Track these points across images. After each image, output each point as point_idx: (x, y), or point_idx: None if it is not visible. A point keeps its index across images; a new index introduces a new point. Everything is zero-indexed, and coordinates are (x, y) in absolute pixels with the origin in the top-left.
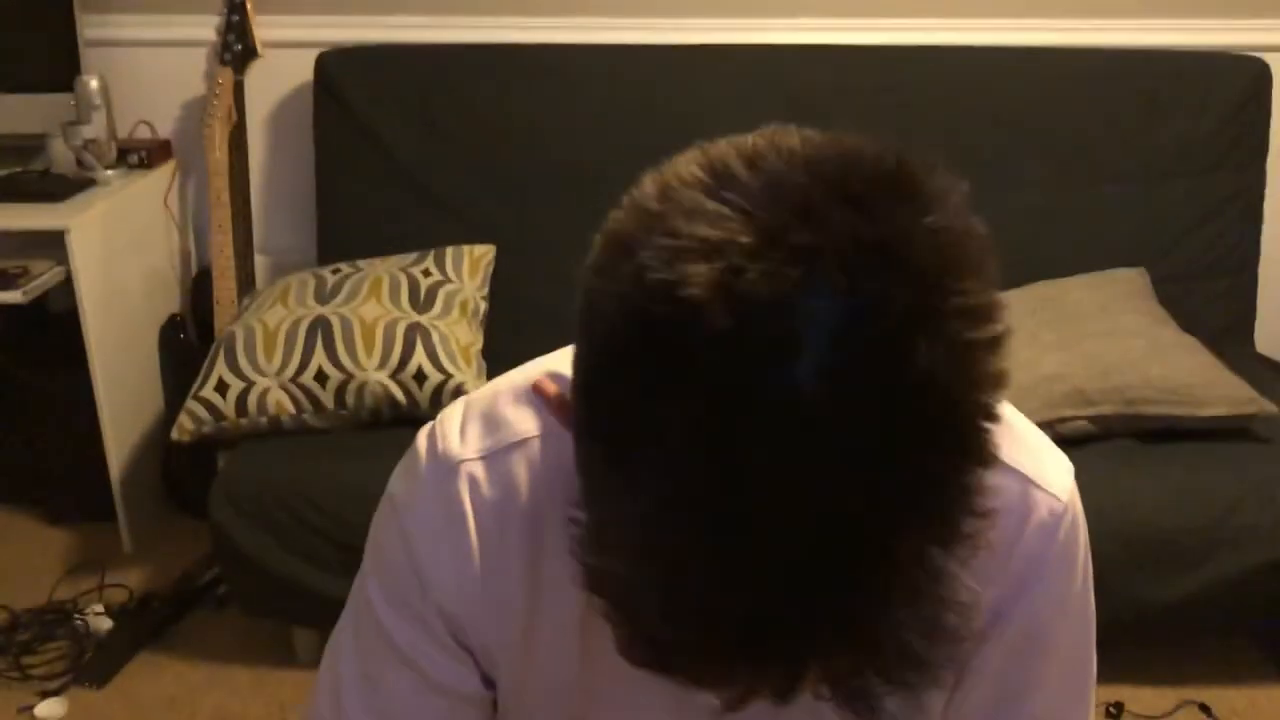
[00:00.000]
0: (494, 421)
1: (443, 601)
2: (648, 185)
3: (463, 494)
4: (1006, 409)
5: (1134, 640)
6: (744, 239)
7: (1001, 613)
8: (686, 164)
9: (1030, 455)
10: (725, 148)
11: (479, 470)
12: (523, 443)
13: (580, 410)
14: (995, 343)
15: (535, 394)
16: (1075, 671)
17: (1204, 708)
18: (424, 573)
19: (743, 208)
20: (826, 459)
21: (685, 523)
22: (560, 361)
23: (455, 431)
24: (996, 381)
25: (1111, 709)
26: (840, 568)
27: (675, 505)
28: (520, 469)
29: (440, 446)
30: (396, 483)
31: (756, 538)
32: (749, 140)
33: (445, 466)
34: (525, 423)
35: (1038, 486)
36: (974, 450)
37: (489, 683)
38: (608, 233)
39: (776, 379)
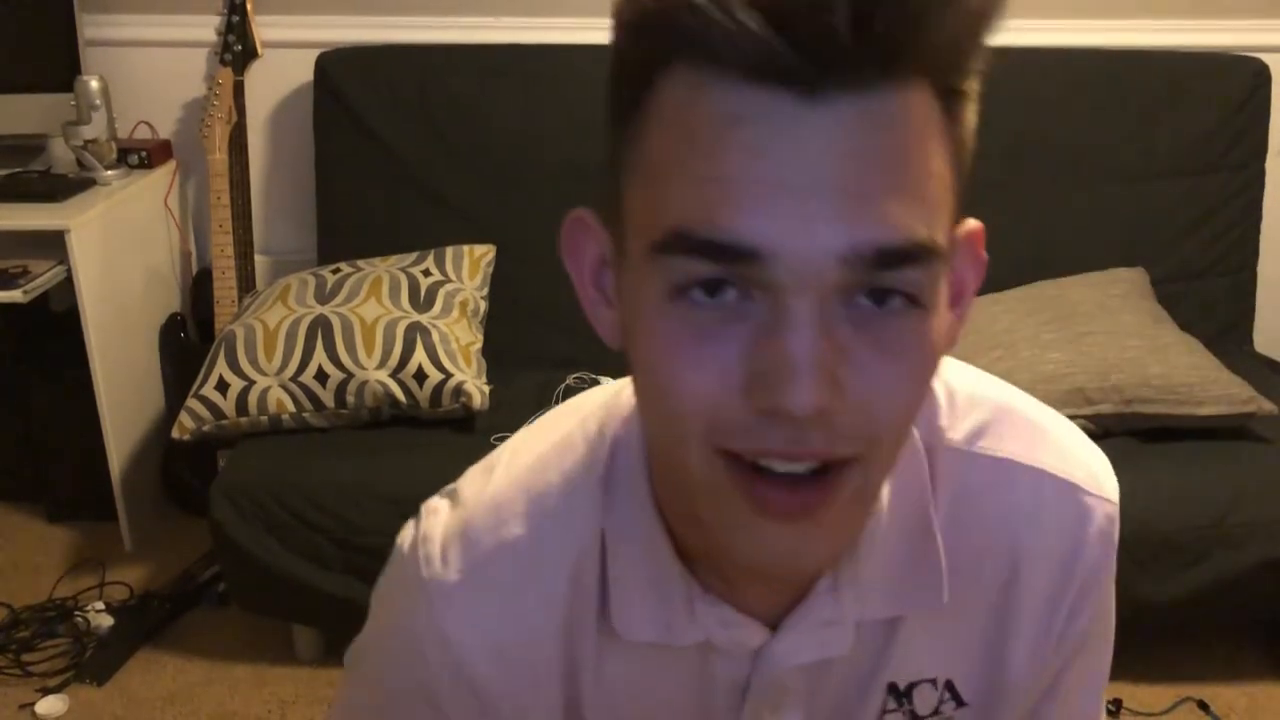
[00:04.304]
0: (469, 537)
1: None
2: None
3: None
4: (1037, 408)
5: (1132, 638)
6: None
7: (1065, 633)
8: None
9: (1075, 462)
10: None
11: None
12: (513, 542)
13: None
14: None
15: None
16: (1102, 669)
17: (1202, 705)
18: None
19: None
20: None
21: None
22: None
23: (438, 557)
24: None
25: (1110, 706)
26: None
27: None
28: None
29: (425, 572)
30: (394, 618)
31: None
32: None
33: (425, 590)
34: (511, 526)
35: (1089, 493)
36: None
37: None
38: None
39: None
